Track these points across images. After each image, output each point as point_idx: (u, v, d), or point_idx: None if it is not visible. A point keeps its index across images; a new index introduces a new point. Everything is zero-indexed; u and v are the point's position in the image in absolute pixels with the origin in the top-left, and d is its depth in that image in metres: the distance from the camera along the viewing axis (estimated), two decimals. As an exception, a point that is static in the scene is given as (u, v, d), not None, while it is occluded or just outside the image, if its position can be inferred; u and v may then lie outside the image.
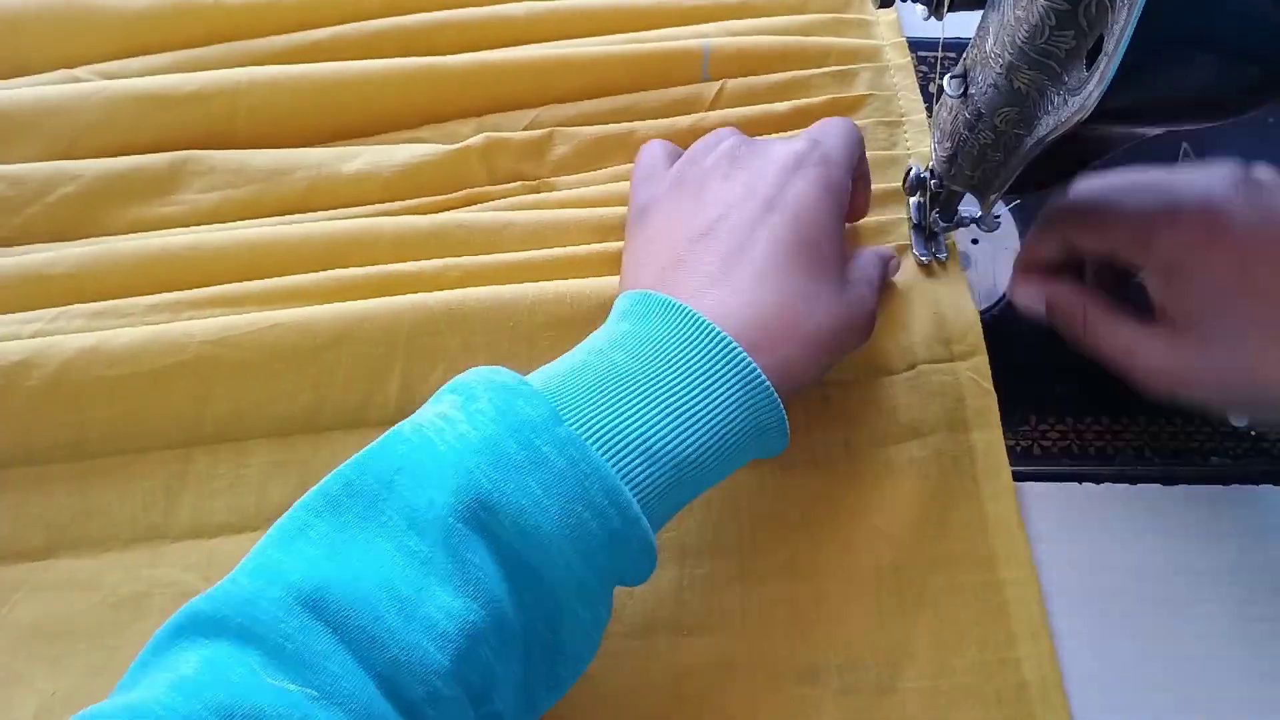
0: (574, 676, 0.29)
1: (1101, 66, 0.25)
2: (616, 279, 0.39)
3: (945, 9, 0.32)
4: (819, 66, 0.46)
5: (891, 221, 0.43)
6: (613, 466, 0.28)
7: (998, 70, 0.30)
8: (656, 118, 0.45)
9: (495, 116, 0.45)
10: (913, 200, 0.42)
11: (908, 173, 0.41)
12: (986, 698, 0.34)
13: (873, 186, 0.41)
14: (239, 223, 0.41)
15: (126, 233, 0.41)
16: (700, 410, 0.29)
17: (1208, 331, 0.33)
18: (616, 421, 0.28)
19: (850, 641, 0.35)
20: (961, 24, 0.34)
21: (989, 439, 0.39)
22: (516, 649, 0.27)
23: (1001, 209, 0.45)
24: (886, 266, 0.38)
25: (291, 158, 0.42)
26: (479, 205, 0.43)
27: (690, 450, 0.29)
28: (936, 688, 0.35)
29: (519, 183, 0.43)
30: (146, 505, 0.36)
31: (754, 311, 0.31)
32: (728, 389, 0.30)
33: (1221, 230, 0.33)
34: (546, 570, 0.27)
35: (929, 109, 0.46)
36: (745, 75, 0.46)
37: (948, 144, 0.37)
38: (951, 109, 0.36)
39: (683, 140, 0.41)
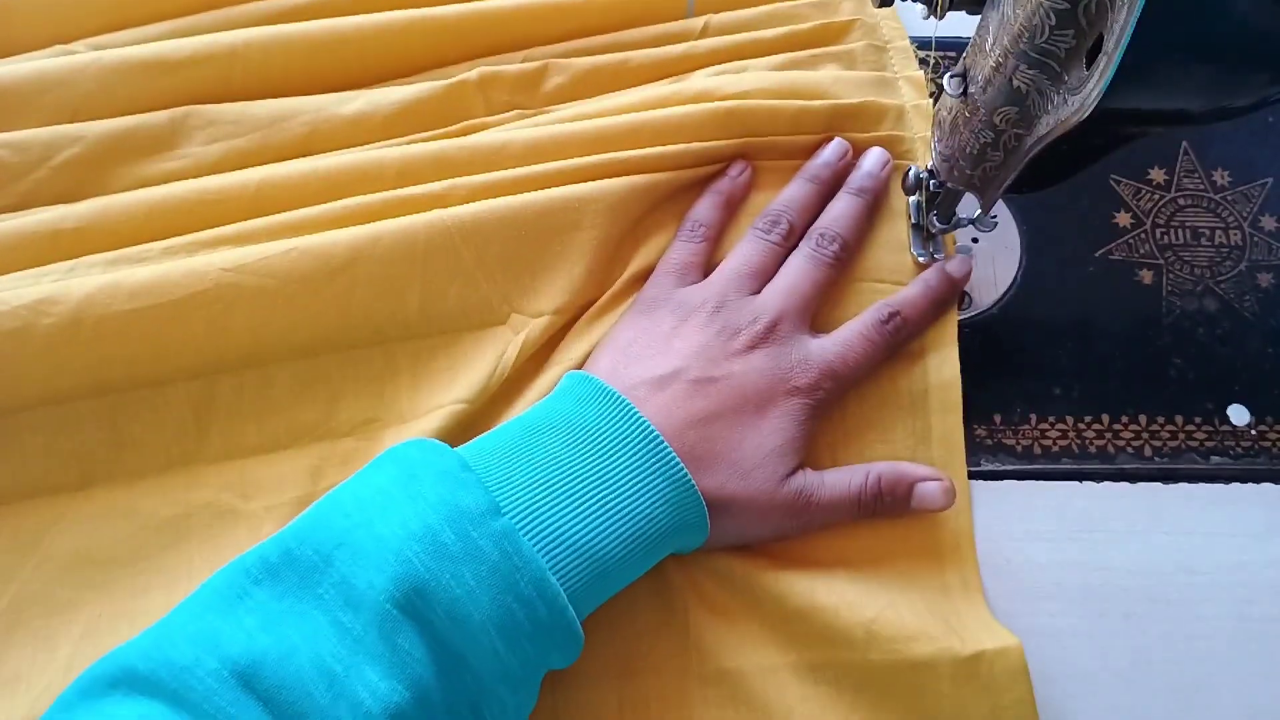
0: None
1: (1101, 66, 0.25)
2: (618, 181, 0.40)
3: (945, 8, 0.32)
4: None
5: (888, 139, 0.43)
6: (544, 559, 0.29)
7: (997, 69, 0.30)
8: (643, 48, 0.45)
9: (489, 59, 0.45)
10: (911, 200, 0.42)
11: (906, 173, 0.41)
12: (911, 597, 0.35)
13: (865, 100, 0.43)
14: (246, 169, 0.42)
15: (134, 189, 0.41)
16: (627, 507, 0.31)
17: None
18: (551, 516, 0.30)
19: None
20: (961, 23, 0.34)
21: (944, 357, 0.40)
22: None
23: (1001, 209, 0.45)
24: (871, 494, 0.37)
25: (291, 105, 0.43)
26: (482, 133, 0.43)
27: (617, 547, 0.31)
28: (861, 584, 0.35)
29: (516, 112, 0.44)
30: (179, 433, 0.37)
31: (697, 434, 0.34)
32: (654, 488, 0.32)
33: None
34: (474, 657, 0.28)
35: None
36: (729, 9, 0.47)
37: (947, 143, 0.36)
38: (951, 108, 0.36)
39: (672, 68, 0.44)
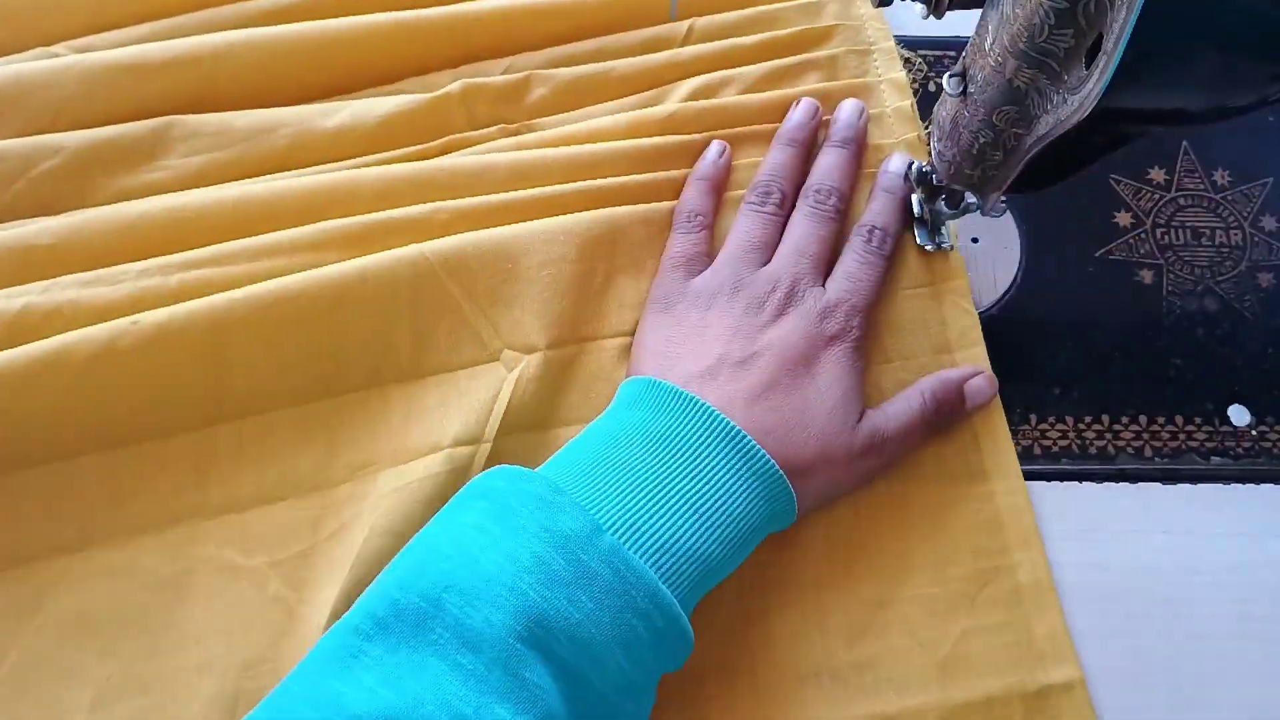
0: None
1: (1101, 65, 0.25)
2: (603, 212, 0.40)
3: (945, 7, 0.32)
4: (786, 0, 0.47)
5: (872, 146, 0.44)
6: (652, 570, 0.29)
7: (997, 69, 0.30)
8: (627, 56, 0.45)
9: (473, 66, 0.45)
10: (914, 194, 0.42)
11: (910, 166, 0.41)
12: (981, 603, 0.36)
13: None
14: (223, 185, 0.41)
15: (113, 202, 0.41)
16: (722, 509, 0.32)
17: None
18: (651, 526, 0.30)
19: (849, 561, 0.37)
20: (961, 23, 0.34)
21: (974, 355, 0.40)
22: None
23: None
24: (934, 401, 0.38)
25: (273, 116, 0.42)
26: (461, 151, 0.43)
27: (718, 547, 0.31)
28: (934, 596, 0.36)
29: (499, 126, 0.43)
30: (178, 487, 0.36)
31: (761, 409, 0.34)
32: (745, 486, 0.32)
33: None
34: (598, 677, 0.28)
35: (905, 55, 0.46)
36: (713, 12, 0.47)
37: (947, 143, 0.36)
38: (951, 108, 0.36)
39: (655, 78, 0.44)
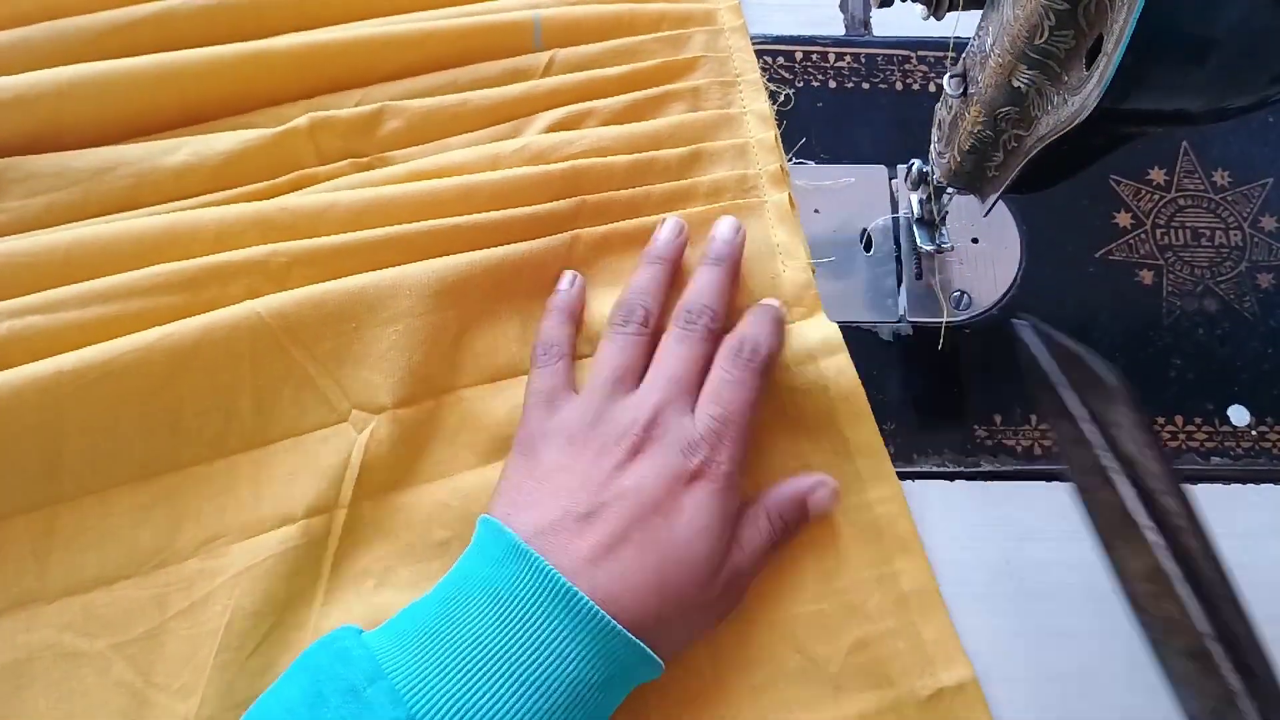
0: None
1: (1101, 66, 0.25)
2: (450, 260, 0.38)
3: (945, 8, 0.32)
4: (652, 32, 0.45)
5: (729, 179, 0.42)
6: None
7: (997, 70, 0.30)
8: (486, 87, 0.43)
9: (325, 97, 0.43)
10: (914, 195, 0.42)
11: (909, 167, 0.41)
12: (869, 613, 0.36)
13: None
14: (57, 227, 0.39)
15: None
16: (555, 674, 0.30)
17: None
18: (473, 705, 0.28)
19: None
20: (962, 23, 0.34)
21: (839, 363, 0.38)
22: None
23: (1000, 209, 0.45)
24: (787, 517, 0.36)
25: (113, 154, 0.40)
26: (310, 189, 0.41)
27: (549, 714, 0.29)
28: (822, 611, 0.36)
29: (349, 160, 0.42)
30: (17, 572, 0.34)
31: (606, 570, 0.32)
32: (582, 648, 0.30)
33: None
34: None
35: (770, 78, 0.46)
36: (576, 43, 0.45)
37: (947, 144, 0.36)
38: (951, 108, 0.36)
39: (513, 110, 0.42)
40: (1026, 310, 0.43)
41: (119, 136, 0.41)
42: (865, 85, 0.48)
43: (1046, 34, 0.27)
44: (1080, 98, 0.27)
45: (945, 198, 0.41)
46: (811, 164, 0.46)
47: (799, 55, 0.48)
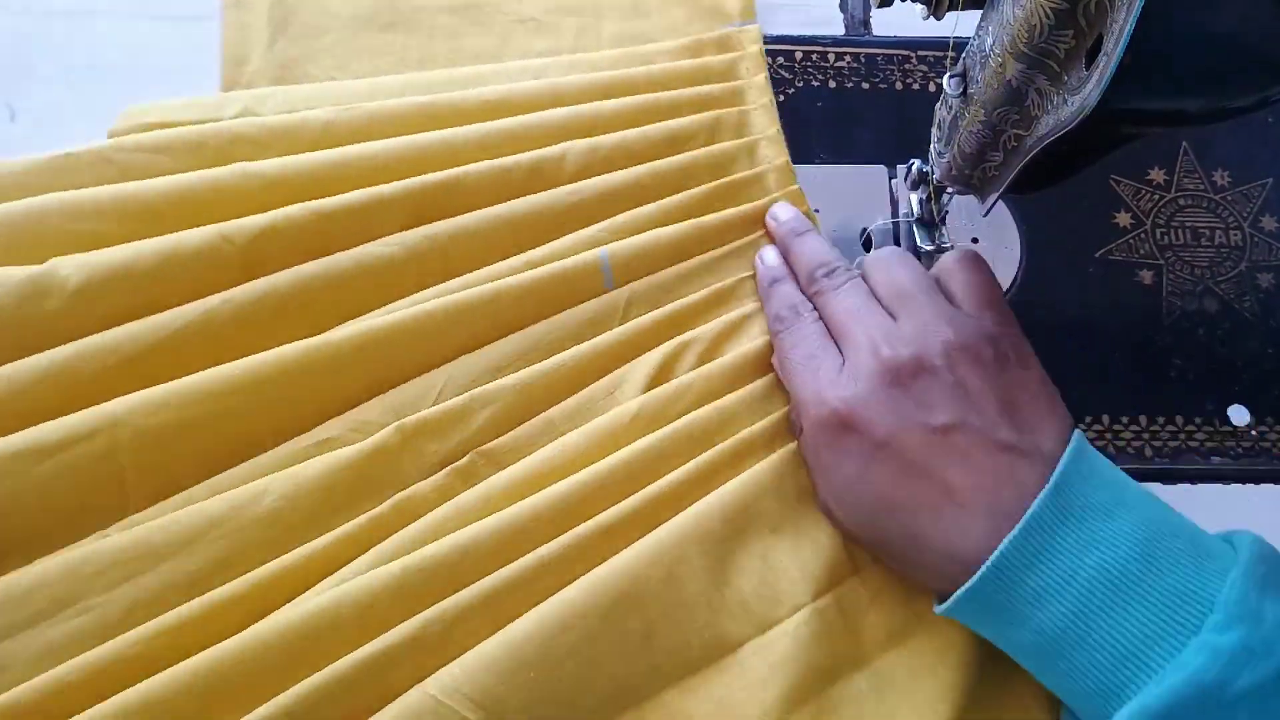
0: None
1: (1101, 66, 0.25)
2: (612, 570, 0.33)
3: (945, 8, 0.32)
4: (719, 246, 0.42)
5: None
6: None
7: (997, 69, 0.30)
8: (569, 344, 0.39)
9: (400, 391, 0.38)
10: (915, 195, 0.42)
11: (909, 167, 0.41)
12: None
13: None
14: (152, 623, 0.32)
15: None
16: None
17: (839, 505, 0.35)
18: None
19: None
20: (962, 23, 0.34)
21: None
22: None
23: (1000, 210, 0.45)
24: None
25: (199, 517, 0.34)
26: (421, 520, 0.35)
27: None
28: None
29: (449, 469, 0.36)
30: None
31: None
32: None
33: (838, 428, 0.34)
34: None
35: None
36: (648, 272, 0.41)
37: (947, 144, 0.36)
38: (951, 109, 0.36)
39: (605, 363, 0.39)
40: (1027, 309, 0.43)
41: (184, 469, 0.35)
42: (865, 85, 0.48)
43: (1046, 34, 0.27)
44: (1080, 98, 0.27)
45: (945, 198, 0.41)
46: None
47: (799, 55, 0.48)
